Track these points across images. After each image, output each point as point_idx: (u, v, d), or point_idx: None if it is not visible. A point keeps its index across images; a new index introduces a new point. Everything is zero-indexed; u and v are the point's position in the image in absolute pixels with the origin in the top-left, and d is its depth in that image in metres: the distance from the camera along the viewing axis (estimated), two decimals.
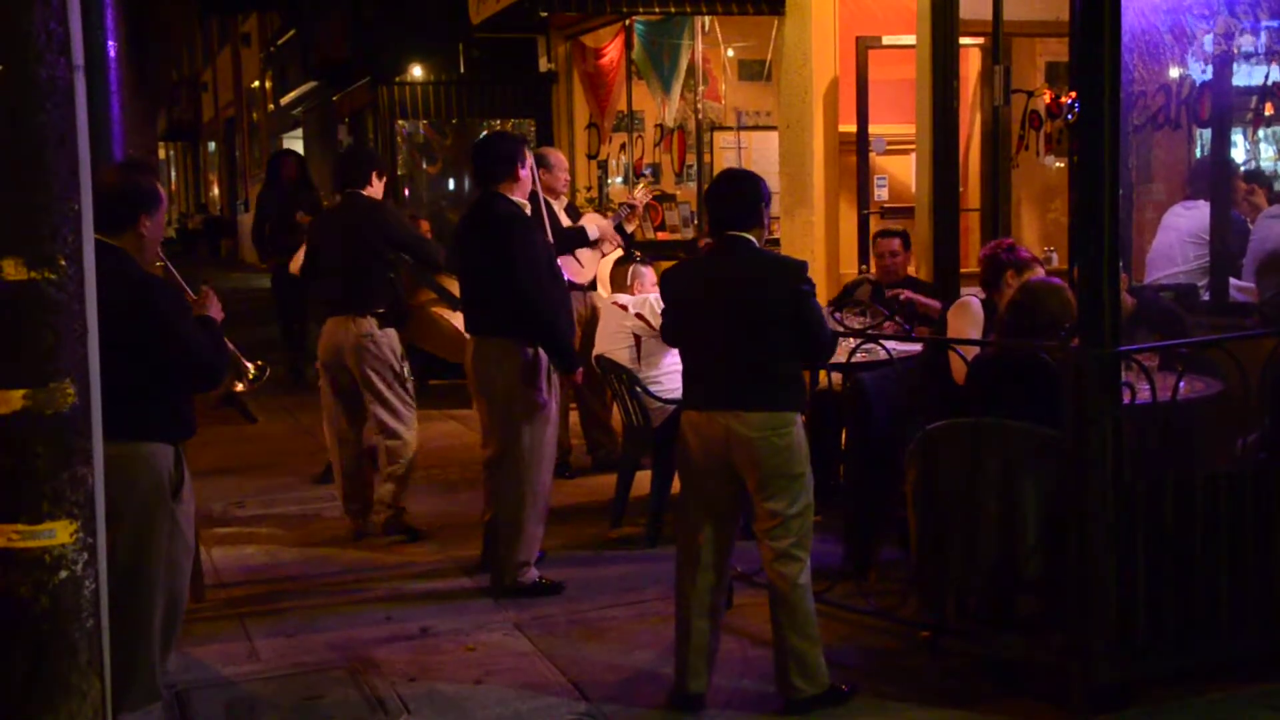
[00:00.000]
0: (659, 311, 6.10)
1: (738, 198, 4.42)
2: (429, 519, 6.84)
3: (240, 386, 4.94)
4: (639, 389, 6.47)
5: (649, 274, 7.03)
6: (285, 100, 25.54)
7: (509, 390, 5.58)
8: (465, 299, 5.85)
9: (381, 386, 6.49)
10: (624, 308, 6.75)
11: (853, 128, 9.04)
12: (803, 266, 4.43)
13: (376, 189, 6.63)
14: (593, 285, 7.87)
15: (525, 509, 5.61)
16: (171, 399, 4.00)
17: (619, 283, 7.11)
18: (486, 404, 5.71)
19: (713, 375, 4.35)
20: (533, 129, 14.23)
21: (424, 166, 18.59)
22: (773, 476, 4.25)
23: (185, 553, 4.09)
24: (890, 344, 5.71)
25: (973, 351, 5.13)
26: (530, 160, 5.86)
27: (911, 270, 7.38)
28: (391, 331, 6.52)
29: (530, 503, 5.62)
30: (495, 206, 5.66)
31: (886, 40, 8.99)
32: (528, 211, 5.76)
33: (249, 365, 4.85)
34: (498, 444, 5.66)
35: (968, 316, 5.50)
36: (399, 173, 16.61)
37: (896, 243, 7.08)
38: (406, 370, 6.55)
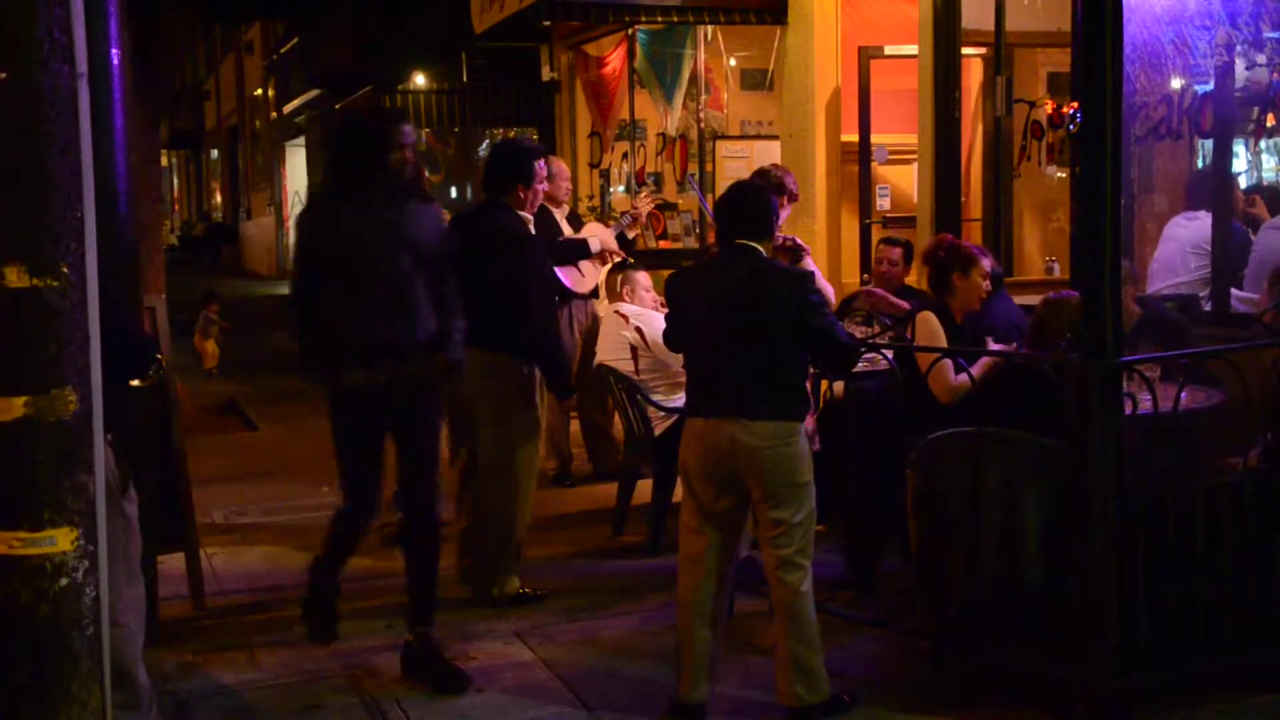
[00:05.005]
0: (657, 334, 6.12)
1: (747, 207, 4.44)
2: None
3: (137, 382, 4.90)
4: (640, 397, 6.48)
5: (641, 279, 7.05)
6: (288, 108, 25.58)
7: (504, 406, 5.53)
8: None
9: None
10: (625, 318, 6.75)
11: (855, 137, 9.07)
12: (808, 276, 4.43)
13: None
14: (594, 294, 7.87)
15: (517, 525, 5.62)
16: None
17: (611, 289, 7.13)
18: (468, 415, 5.60)
19: (717, 383, 4.35)
20: (535, 137, 14.25)
21: (427, 175, 18.62)
22: (779, 486, 4.25)
23: (138, 551, 4.00)
24: (891, 353, 5.70)
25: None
26: (542, 173, 5.79)
27: (912, 280, 7.39)
28: None
29: (521, 518, 5.63)
30: (502, 220, 5.59)
31: (889, 50, 9.01)
32: (532, 228, 5.74)
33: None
34: (487, 458, 5.58)
35: (928, 330, 5.50)
36: None
37: (897, 252, 7.08)
38: None
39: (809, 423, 5.80)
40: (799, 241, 6.30)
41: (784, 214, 6.30)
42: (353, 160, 4.84)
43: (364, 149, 4.81)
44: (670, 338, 4.68)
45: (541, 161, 5.89)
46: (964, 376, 5.11)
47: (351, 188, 4.77)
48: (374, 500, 4.96)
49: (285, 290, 22.05)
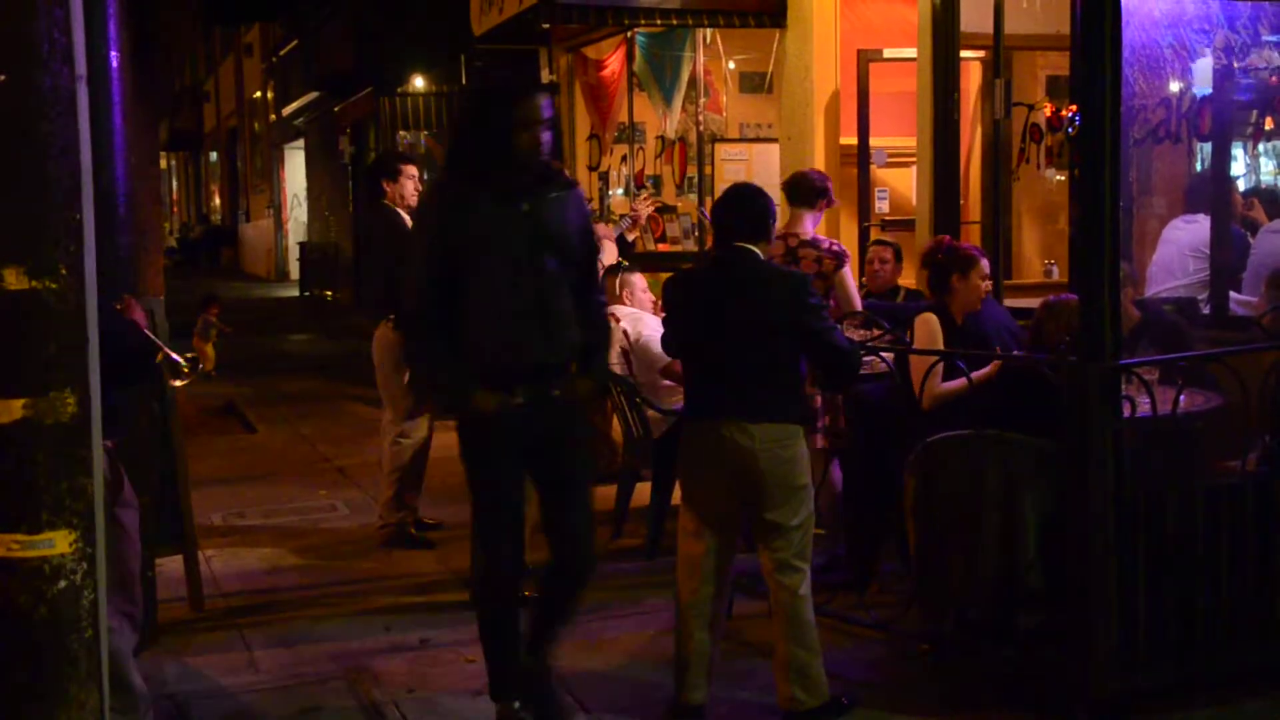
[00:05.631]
0: (646, 337, 6.11)
1: (746, 210, 4.44)
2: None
3: (178, 382, 4.93)
4: (638, 400, 6.48)
5: (638, 281, 7.05)
6: (287, 111, 25.61)
7: None
8: None
9: (380, 387, 6.69)
10: (616, 319, 6.75)
11: (854, 140, 9.07)
12: (806, 279, 4.43)
13: (394, 192, 7.00)
14: None
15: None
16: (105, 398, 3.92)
17: (610, 292, 7.12)
18: None
19: (716, 386, 4.35)
20: None
21: (425, 178, 18.61)
22: (775, 488, 4.25)
23: (134, 557, 3.98)
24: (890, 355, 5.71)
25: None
26: None
27: (909, 282, 7.39)
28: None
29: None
30: None
31: (888, 53, 9.02)
32: None
33: (181, 360, 4.83)
34: None
35: (927, 331, 5.50)
36: None
37: (888, 253, 7.09)
38: (405, 377, 6.53)
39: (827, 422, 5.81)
40: (841, 247, 6.25)
41: (819, 217, 6.24)
42: (476, 143, 4.05)
43: (487, 129, 4.00)
44: (668, 341, 4.69)
45: None
46: (952, 384, 5.12)
47: (477, 176, 4.04)
48: (520, 559, 4.26)
49: (284, 293, 21.90)
